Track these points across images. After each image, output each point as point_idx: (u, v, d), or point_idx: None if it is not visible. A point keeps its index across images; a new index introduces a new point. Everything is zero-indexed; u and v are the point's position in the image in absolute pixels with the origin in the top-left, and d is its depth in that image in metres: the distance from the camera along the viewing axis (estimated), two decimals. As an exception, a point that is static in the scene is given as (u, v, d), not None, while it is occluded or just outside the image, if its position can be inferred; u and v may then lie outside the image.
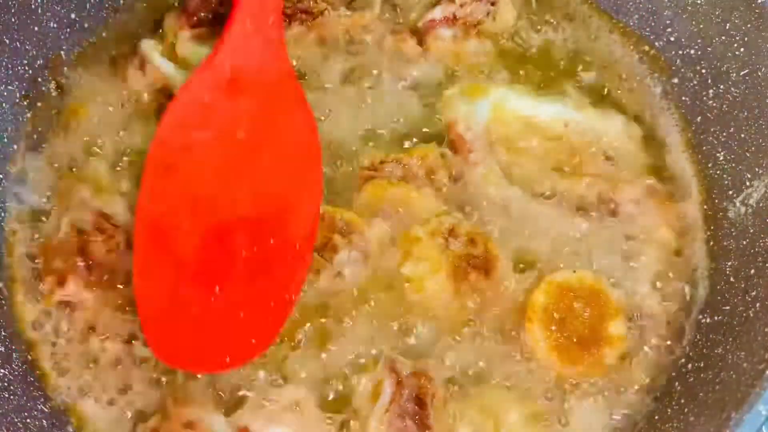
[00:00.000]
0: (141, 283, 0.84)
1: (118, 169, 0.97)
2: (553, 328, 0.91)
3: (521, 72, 1.04)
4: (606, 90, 1.04)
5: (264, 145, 0.81)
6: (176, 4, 1.04)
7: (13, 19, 0.93)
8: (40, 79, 1.00)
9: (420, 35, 1.04)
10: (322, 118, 0.99)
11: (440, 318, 0.93)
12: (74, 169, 0.98)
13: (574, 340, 0.91)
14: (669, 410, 0.90)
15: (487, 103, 1.00)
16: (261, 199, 0.81)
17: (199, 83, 0.82)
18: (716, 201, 0.97)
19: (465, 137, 0.99)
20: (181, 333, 0.84)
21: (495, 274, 0.93)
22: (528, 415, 0.91)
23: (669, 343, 0.94)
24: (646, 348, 0.94)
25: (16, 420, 0.84)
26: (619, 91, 1.04)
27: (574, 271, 0.94)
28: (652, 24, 1.04)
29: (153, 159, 0.82)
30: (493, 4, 1.04)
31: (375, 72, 1.03)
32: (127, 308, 0.91)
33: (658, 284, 0.96)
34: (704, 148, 1.00)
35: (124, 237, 0.91)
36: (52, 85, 1.01)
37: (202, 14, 1.01)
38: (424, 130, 1.00)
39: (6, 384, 0.87)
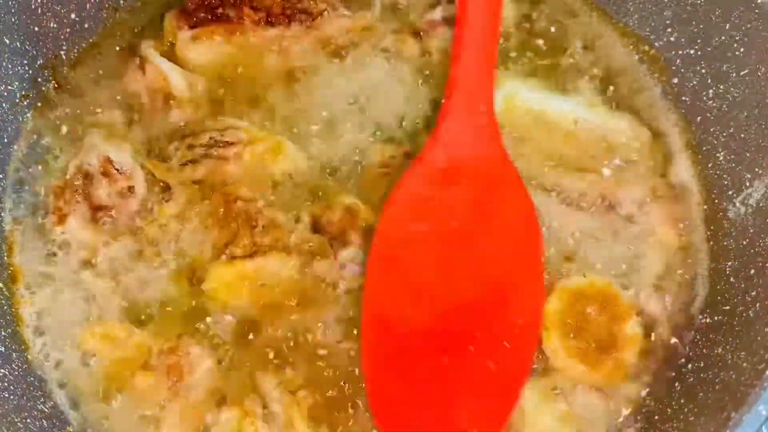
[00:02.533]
0: (369, 364, 0.85)
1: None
2: (571, 335, 0.90)
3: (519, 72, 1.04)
4: (605, 90, 1.04)
5: (479, 232, 0.82)
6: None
7: (13, 19, 0.93)
8: (40, 79, 1.00)
9: (420, 35, 1.04)
10: (325, 116, 1.00)
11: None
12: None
13: (593, 345, 0.91)
14: (669, 410, 0.90)
15: (499, 93, 0.99)
16: (480, 285, 0.83)
17: (415, 177, 0.84)
18: (716, 201, 0.97)
19: None
20: (407, 410, 0.84)
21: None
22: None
23: (669, 343, 0.94)
24: (646, 348, 0.94)
25: (16, 420, 0.84)
26: (618, 91, 1.04)
27: (584, 275, 0.94)
28: (652, 24, 1.04)
29: (375, 254, 0.85)
30: (492, 4, 1.04)
31: (375, 71, 1.03)
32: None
33: (659, 285, 0.96)
34: (704, 148, 1.00)
35: (127, 183, 0.94)
36: (52, 85, 1.01)
37: (202, 14, 1.01)
38: (426, 123, 1.00)
39: (6, 384, 0.87)
